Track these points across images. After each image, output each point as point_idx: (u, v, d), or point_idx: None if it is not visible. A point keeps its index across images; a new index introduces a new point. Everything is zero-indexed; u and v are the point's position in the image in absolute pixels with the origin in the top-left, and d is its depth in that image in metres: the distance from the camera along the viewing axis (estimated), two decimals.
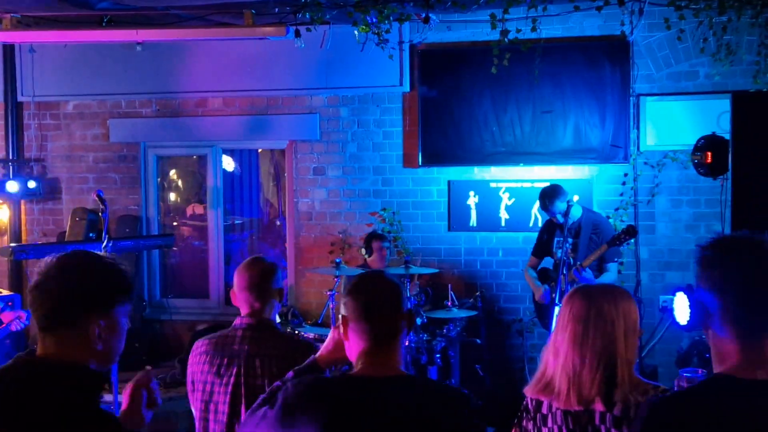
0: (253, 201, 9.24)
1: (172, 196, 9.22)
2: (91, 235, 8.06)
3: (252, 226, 9.08)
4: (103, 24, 6.24)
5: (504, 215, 7.44)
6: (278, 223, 8.97)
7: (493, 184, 7.48)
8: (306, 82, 7.82)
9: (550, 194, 6.21)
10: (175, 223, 8.96)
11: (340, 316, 2.53)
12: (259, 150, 8.85)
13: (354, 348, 2.48)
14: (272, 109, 8.02)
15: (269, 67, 7.85)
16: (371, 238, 7.04)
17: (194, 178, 9.35)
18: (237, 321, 3.53)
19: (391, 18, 5.95)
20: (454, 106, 7.47)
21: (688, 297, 3.75)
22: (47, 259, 2.15)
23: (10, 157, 8.31)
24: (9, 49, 8.21)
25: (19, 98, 8.36)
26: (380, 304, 2.45)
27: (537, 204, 7.25)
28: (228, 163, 8.63)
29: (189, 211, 9.15)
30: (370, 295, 2.47)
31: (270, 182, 9.61)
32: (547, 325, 6.37)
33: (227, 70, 7.97)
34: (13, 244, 7.71)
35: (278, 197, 9.25)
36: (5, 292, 7.24)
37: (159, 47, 7.63)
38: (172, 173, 9.23)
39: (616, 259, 6.30)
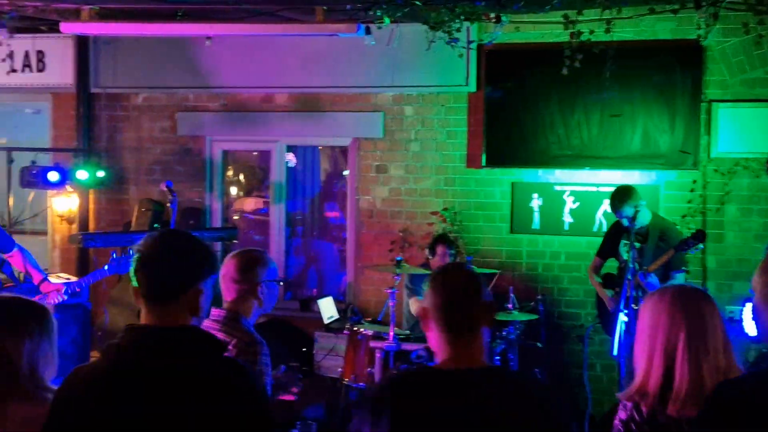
0: (313, 197, 9.30)
1: (234, 190, 9.33)
2: (155, 225, 8.18)
3: (313, 222, 9.13)
4: (177, 18, 6.33)
5: (568, 219, 7.36)
6: (336, 220, 9.01)
7: (557, 187, 7.41)
8: (371, 79, 7.83)
9: (621, 195, 6.12)
10: (236, 217, 9.06)
11: (421, 308, 2.53)
12: (320, 147, 8.91)
13: (435, 339, 2.48)
14: (337, 105, 8.05)
15: (335, 64, 7.89)
16: (438, 242, 6.96)
17: (256, 172, 9.45)
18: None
19: (462, 17, 5.93)
20: (520, 107, 7.41)
21: None
22: (150, 238, 2.34)
23: (81, 147, 8.48)
24: (82, 41, 8.37)
25: (91, 89, 8.53)
26: (460, 295, 2.45)
27: (602, 208, 7.20)
28: (289, 159, 8.69)
29: (250, 205, 9.25)
30: (450, 286, 2.48)
31: (329, 179, 9.66)
32: (610, 332, 6.28)
33: (293, 66, 8.03)
34: (82, 232, 7.88)
35: (337, 194, 9.29)
36: (73, 279, 7.39)
37: (227, 42, 7.71)
38: (236, 167, 9.34)
39: (682, 268, 6.18)
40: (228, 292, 3.45)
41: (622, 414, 2.64)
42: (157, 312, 2.29)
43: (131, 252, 6.12)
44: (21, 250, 5.51)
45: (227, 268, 3.44)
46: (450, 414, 2.30)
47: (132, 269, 2.31)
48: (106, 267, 5.88)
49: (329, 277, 8.93)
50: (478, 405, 2.31)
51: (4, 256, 5.27)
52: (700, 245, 5.87)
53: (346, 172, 8.45)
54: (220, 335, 3.20)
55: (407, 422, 2.31)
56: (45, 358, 2.55)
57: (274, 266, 3.52)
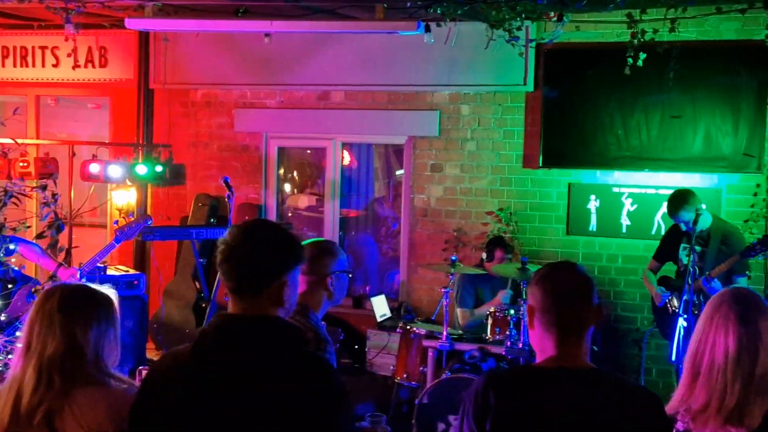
0: (366, 195, 9.31)
1: (289, 187, 9.38)
2: (212, 220, 8.29)
3: (366, 220, 9.14)
4: (238, 15, 6.39)
5: (625, 221, 7.26)
6: (389, 218, 9.01)
7: (615, 189, 7.30)
8: (428, 78, 7.81)
9: (679, 199, 6.01)
10: (290, 214, 9.11)
11: (528, 306, 2.51)
12: (374, 145, 8.91)
13: (538, 338, 2.46)
14: (393, 104, 8.05)
15: (392, 62, 7.89)
16: (496, 246, 6.88)
17: (311, 169, 9.49)
18: None
19: (523, 15, 5.88)
20: (579, 108, 7.33)
21: None
22: (236, 229, 2.36)
23: (140, 142, 8.61)
24: (144, 37, 8.50)
25: (151, 85, 8.66)
26: (571, 295, 2.41)
27: (661, 211, 7.08)
28: (344, 156, 8.71)
29: (303, 202, 9.30)
30: (560, 285, 2.43)
31: (382, 177, 9.66)
32: (668, 336, 6.18)
33: (350, 64, 8.05)
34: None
35: (389, 192, 9.29)
36: (131, 271, 7.52)
37: (285, 39, 7.76)
38: (291, 164, 9.40)
39: (745, 273, 6.06)
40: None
41: (679, 425, 2.56)
42: (243, 304, 2.31)
43: (147, 222, 6.20)
44: (26, 244, 5.52)
45: None
46: (553, 413, 2.30)
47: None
48: (114, 241, 5.97)
49: (382, 275, 8.93)
50: (582, 405, 2.31)
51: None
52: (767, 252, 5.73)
53: (399, 172, 8.44)
54: None
55: (511, 419, 2.33)
56: (109, 345, 2.61)
57: (344, 257, 3.42)
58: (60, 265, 5.09)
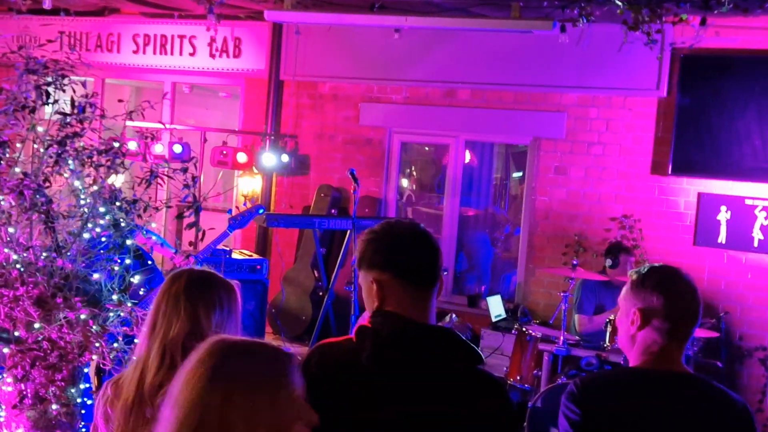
0: (487, 194, 9.28)
1: (408, 182, 9.45)
2: (333, 211, 8.43)
3: (485, 219, 9.11)
4: (373, 9, 6.47)
5: (758, 235, 6.98)
6: (509, 218, 8.95)
7: (748, 201, 7.03)
8: (556, 79, 7.72)
9: None
10: (409, 208, 9.18)
11: (637, 310, 2.50)
12: (495, 144, 8.87)
13: (642, 340, 2.48)
14: (519, 104, 7.99)
15: (519, 61, 7.83)
16: (620, 251, 6.76)
17: (432, 166, 9.53)
18: None
19: (663, 18, 5.74)
20: (713, 116, 7.09)
21: None
22: (397, 225, 2.29)
23: (269, 132, 8.84)
24: (276, 29, 8.72)
25: (282, 77, 8.86)
26: (686, 304, 2.47)
27: None
28: (466, 155, 8.71)
29: (423, 198, 9.34)
30: (683, 295, 2.48)
31: (503, 177, 9.60)
32: None
33: (477, 62, 8.03)
34: (266, 212, 8.21)
35: (507, 193, 9.24)
36: (255, 256, 7.73)
37: (413, 36, 7.81)
38: (413, 160, 9.46)
39: None
40: None
41: None
42: (419, 299, 2.22)
43: (259, 210, 6.31)
44: (148, 232, 5.68)
45: None
46: (649, 415, 2.36)
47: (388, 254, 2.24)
48: (228, 229, 6.09)
49: (498, 276, 8.89)
50: (681, 408, 2.36)
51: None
52: None
53: (517, 174, 8.37)
54: None
55: (607, 422, 2.37)
56: (231, 330, 2.61)
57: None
58: (176, 252, 5.27)
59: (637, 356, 2.49)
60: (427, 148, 9.23)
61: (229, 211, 6.44)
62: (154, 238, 5.23)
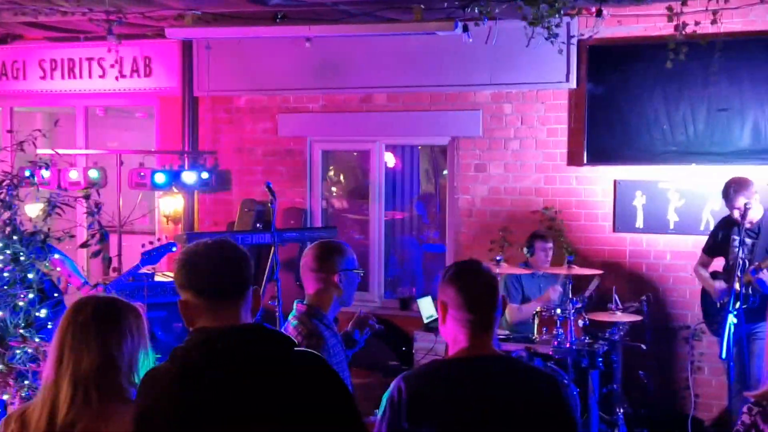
0: (412, 197, 9.30)
1: (335, 190, 9.43)
2: (258, 225, 8.35)
3: (412, 222, 9.14)
4: (276, 20, 6.44)
5: (673, 217, 7.14)
6: (435, 219, 9.00)
7: (661, 185, 7.19)
8: (470, 78, 7.78)
9: (737, 185, 5.89)
10: (335, 217, 9.15)
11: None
12: (419, 146, 8.90)
13: (451, 333, 2.66)
14: (435, 105, 8.04)
15: (433, 63, 7.87)
16: (534, 238, 6.91)
17: (355, 173, 9.52)
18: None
19: (562, 12, 5.82)
20: (623, 104, 7.23)
21: None
22: (199, 245, 2.36)
23: (186, 150, 8.73)
24: (187, 46, 8.61)
25: (195, 93, 8.76)
26: (483, 296, 2.63)
27: (709, 206, 6.95)
28: (388, 159, 8.72)
29: (347, 205, 9.33)
30: (473, 287, 2.63)
31: (428, 179, 9.65)
32: (717, 331, 6.07)
33: (392, 66, 8.05)
34: (187, 232, 8.10)
35: (436, 194, 9.28)
36: None
37: (326, 43, 7.79)
38: (336, 168, 9.44)
39: None
40: (307, 283, 3.48)
41: (745, 417, 2.53)
42: (224, 314, 2.28)
43: (172, 247, 6.32)
44: (63, 256, 5.59)
45: (306, 259, 3.48)
46: (466, 400, 2.53)
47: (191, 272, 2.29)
48: (140, 263, 6.08)
49: (429, 277, 8.92)
50: (492, 390, 2.54)
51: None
52: None
53: (445, 172, 8.42)
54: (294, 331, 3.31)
55: (424, 412, 2.52)
56: (141, 357, 2.56)
57: (353, 257, 3.51)
58: (85, 283, 5.16)
59: (451, 346, 2.68)
60: (355, 153, 9.22)
61: (143, 245, 6.37)
62: (68, 264, 5.12)
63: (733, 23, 6.69)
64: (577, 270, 6.36)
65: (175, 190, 8.54)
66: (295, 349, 2.29)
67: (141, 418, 2.23)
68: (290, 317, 3.46)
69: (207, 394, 2.15)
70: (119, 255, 7.98)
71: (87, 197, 4.09)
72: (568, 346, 6.02)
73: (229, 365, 2.16)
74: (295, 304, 3.49)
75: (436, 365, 2.78)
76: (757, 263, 5.70)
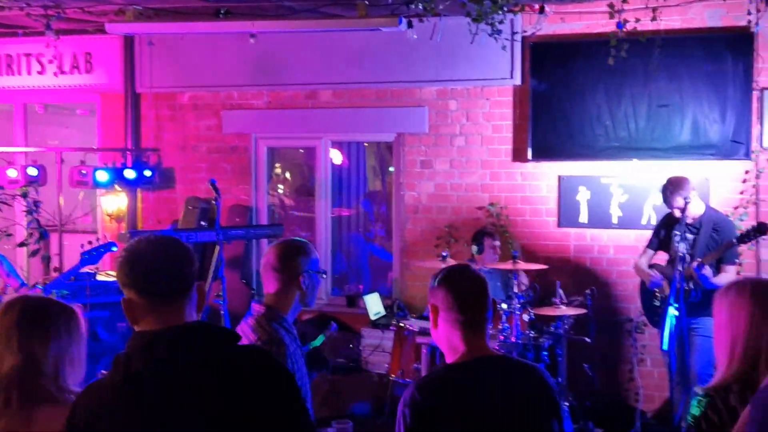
0: (359, 193, 9.29)
1: (281, 188, 9.37)
2: (202, 223, 8.25)
3: (359, 219, 9.13)
4: (219, 16, 6.37)
5: (616, 212, 7.24)
6: (382, 216, 8.99)
7: (604, 180, 7.29)
8: (415, 74, 7.79)
9: (673, 186, 6.00)
10: (282, 214, 9.10)
11: (429, 305, 2.73)
12: (365, 143, 8.89)
13: (444, 336, 2.69)
14: (381, 101, 8.03)
15: (379, 59, 7.86)
16: (483, 235, 6.95)
17: (302, 170, 9.47)
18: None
19: (505, 8, 5.86)
20: (566, 100, 7.31)
21: None
22: (141, 242, 2.28)
23: (129, 147, 8.59)
24: (129, 41, 8.47)
25: (137, 89, 8.63)
26: (473, 296, 2.69)
27: (651, 201, 7.07)
28: (335, 156, 8.69)
29: (295, 202, 9.28)
30: (463, 287, 2.68)
31: (375, 175, 9.64)
32: (656, 323, 6.17)
33: (337, 63, 8.03)
34: (130, 230, 7.97)
35: (383, 191, 9.28)
36: None
37: (271, 40, 7.73)
38: (282, 165, 9.38)
39: (735, 261, 6.05)
40: (269, 282, 3.31)
41: (696, 410, 2.59)
42: (167, 313, 2.22)
43: (112, 247, 6.28)
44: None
45: (268, 257, 3.31)
46: (475, 401, 2.61)
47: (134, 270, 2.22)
48: (80, 263, 6.01)
49: (375, 274, 8.92)
50: (497, 389, 2.64)
51: None
52: (761, 237, 5.72)
53: (392, 169, 8.43)
54: (252, 335, 3.18)
55: (438, 418, 2.60)
56: (72, 361, 2.51)
57: (317, 257, 3.38)
58: (22, 285, 5.04)
59: (447, 351, 2.71)
60: (302, 150, 9.16)
61: (82, 245, 6.26)
62: (4, 264, 5.00)
63: (672, 20, 6.81)
64: (523, 265, 6.41)
65: (117, 188, 8.40)
66: (241, 345, 2.24)
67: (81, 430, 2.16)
68: (246, 317, 3.29)
69: (150, 401, 2.09)
70: (60, 254, 7.82)
71: (25, 195, 3.98)
72: (513, 340, 6.08)
73: (172, 372, 2.11)
74: (251, 304, 3.33)
75: (442, 372, 2.80)
76: (700, 259, 5.81)
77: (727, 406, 2.52)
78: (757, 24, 6.57)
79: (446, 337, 2.69)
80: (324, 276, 3.44)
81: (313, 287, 3.34)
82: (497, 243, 6.92)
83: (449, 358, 2.71)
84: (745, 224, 6.58)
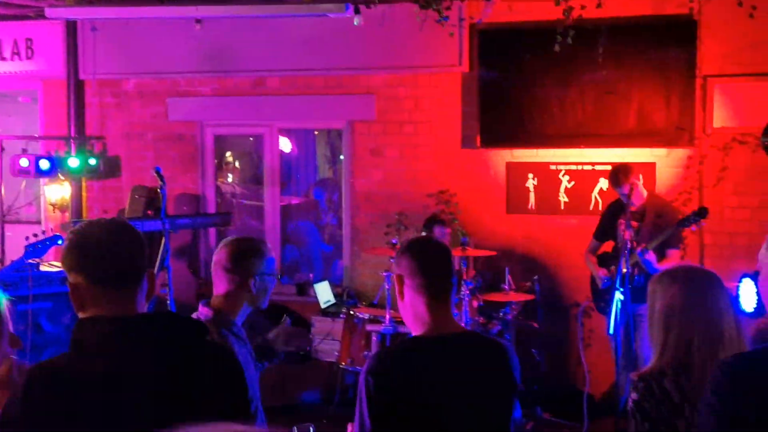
0: (309, 181, 9.24)
1: (230, 176, 9.27)
2: (148, 211, 8.13)
3: (309, 207, 9.08)
4: (163, 1, 6.25)
5: (563, 198, 7.31)
6: (333, 203, 8.96)
7: (552, 167, 7.34)
8: (364, 61, 7.75)
9: (618, 173, 6.06)
10: (231, 202, 9.00)
11: (394, 276, 2.73)
12: (315, 131, 8.83)
13: (410, 305, 2.69)
14: (330, 88, 7.98)
15: (327, 46, 7.80)
16: (433, 223, 6.93)
17: (251, 158, 9.39)
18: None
19: None
20: (515, 87, 7.34)
21: (756, 283, 3.61)
22: (92, 225, 2.24)
23: (72, 135, 8.41)
24: (71, 27, 8.29)
25: (81, 76, 8.45)
26: (436, 260, 2.70)
27: (598, 187, 7.14)
28: (285, 144, 8.62)
29: (242, 190, 9.20)
30: (426, 252, 2.71)
31: (327, 163, 9.60)
32: (603, 310, 6.24)
33: (285, 50, 7.94)
34: (74, 220, 7.82)
35: (334, 179, 9.24)
36: None
37: (218, 26, 7.63)
38: (230, 153, 9.28)
39: (678, 246, 6.13)
40: (219, 282, 3.15)
41: (634, 395, 2.62)
42: (119, 301, 2.15)
43: (57, 240, 6.16)
44: None
45: (219, 256, 3.15)
46: (437, 378, 2.62)
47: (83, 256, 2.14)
48: (24, 257, 5.91)
49: (326, 262, 8.88)
50: (459, 365, 2.65)
51: None
52: (701, 221, 5.80)
53: (342, 156, 8.39)
54: None
55: (397, 392, 2.59)
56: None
57: (272, 258, 3.20)
58: None
59: (415, 325, 2.70)
60: (251, 138, 9.06)
61: (27, 237, 6.12)
62: None
63: (618, 7, 6.85)
64: (472, 252, 6.43)
65: (61, 177, 8.23)
66: (207, 340, 2.22)
67: (27, 415, 2.05)
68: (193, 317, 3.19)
69: (103, 387, 2.03)
70: (2, 245, 7.65)
71: None
72: (463, 326, 6.09)
73: (131, 359, 2.04)
74: (199, 306, 3.16)
75: (404, 347, 2.82)
76: (643, 245, 5.88)
77: (662, 390, 2.57)
78: (700, 12, 6.65)
79: (412, 307, 2.68)
80: (278, 277, 3.28)
81: (266, 290, 3.17)
82: (447, 230, 6.92)
83: (415, 332, 2.70)
84: (690, 210, 6.67)
